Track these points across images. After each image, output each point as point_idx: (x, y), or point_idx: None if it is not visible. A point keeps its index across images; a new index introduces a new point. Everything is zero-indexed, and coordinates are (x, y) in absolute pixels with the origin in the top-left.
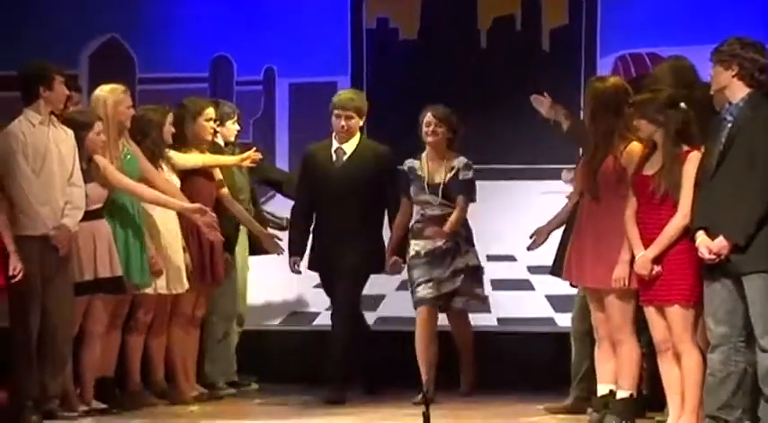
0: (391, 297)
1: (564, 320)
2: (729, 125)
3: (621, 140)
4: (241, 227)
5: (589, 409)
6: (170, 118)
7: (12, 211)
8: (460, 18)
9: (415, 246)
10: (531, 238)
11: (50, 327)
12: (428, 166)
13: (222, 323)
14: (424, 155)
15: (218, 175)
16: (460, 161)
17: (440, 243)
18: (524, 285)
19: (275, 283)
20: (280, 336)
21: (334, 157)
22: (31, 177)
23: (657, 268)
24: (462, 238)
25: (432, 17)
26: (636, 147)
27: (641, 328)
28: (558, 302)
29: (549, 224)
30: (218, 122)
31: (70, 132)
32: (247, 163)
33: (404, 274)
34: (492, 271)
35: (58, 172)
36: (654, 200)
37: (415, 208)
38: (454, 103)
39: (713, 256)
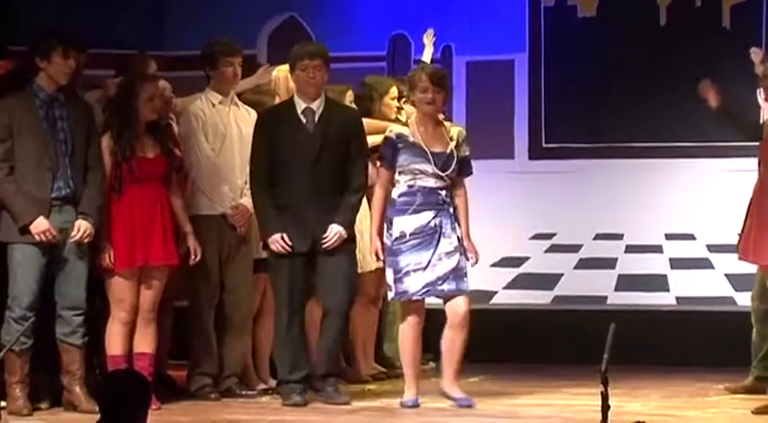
0: (569, 276)
1: (744, 300)
2: None
3: None
4: None
5: None
6: (349, 97)
7: (191, 190)
8: None
9: (399, 225)
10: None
11: (229, 305)
12: (421, 133)
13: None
14: (412, 120)
15: None
16: (458, 131)
17: (430, 219)
18: (704, 264)
19: None
20: None
21: (303, 119)
22: (211, 156)
23: None
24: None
25: None
26: None
27: None
28: (738, 281)
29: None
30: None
31: (254, 113)
32: None
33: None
34: (671, 249)
35: (238, 151)
36: None
37: (402, 178)
38: (633, 81)
39: None
